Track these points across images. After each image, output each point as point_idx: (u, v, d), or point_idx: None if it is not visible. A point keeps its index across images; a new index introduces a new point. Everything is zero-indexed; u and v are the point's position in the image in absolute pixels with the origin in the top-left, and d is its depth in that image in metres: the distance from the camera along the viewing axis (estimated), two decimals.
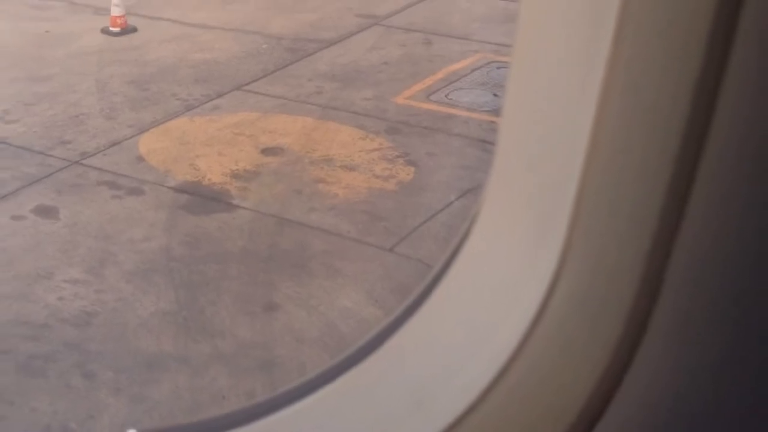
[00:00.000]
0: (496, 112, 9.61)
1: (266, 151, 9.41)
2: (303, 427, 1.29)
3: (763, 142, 1.00)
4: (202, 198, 8.64)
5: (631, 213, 1.06)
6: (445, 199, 8.60)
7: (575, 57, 1.07)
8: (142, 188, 8.79)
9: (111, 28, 12.24)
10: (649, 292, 1.08)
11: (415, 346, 1.27)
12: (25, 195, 8.69)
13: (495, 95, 10.35)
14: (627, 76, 1.02)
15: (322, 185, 8.79)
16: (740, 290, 1.08)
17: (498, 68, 10.94)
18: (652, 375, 1.12)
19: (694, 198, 1.04)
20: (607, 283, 1.08)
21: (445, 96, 10.48)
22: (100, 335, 6.98)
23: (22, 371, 6.66)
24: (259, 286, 7.53)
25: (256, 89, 10.74)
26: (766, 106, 0.99)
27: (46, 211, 8.44)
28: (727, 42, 0.98)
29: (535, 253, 1.14)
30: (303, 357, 6.75)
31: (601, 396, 1.13)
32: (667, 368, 1.12)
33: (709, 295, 1.08)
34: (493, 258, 1.21)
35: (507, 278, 1.18)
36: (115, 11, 12.25)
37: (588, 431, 1.14)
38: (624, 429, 1.14)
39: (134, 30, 12.28)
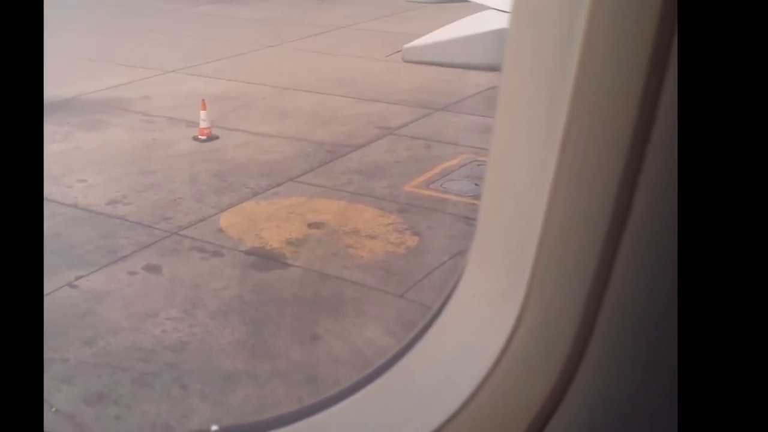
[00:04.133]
0: (477, 197, 9.62)
1: (311, 225, 9.41)
2: (339, 424, 1.29)
3: (670, 227, 1.01)
4: (265, 259, 8.63)
5: (572, 274, 1.07)
6: (440, 259, 8.57)
7: (534, 161, 1.08)
8: (222, 252, 8.79)
9: (199, 136, 12.28)
10: (586, 330, 1.09)
11: (419, 365, 1.28)
12: (138, 257, 8.69)
13: (476, 185, 10.34)
14: (568, 181, 1.03)
15: (352, 249, 8.78)
16: (651, 330, 1.09)
17: (478, 165, 10.94)
18: (589, 387, 1.13)
19: (617, 266, 1.05)
20: (555, 322, 1.10)
21: (440, 185, 10.48)
22: (191, 358, 6.96)
23: (135, 384, 6.63)
24: (306, 322, 7.50)
25: (304, 180, 10.75)
26: (670, 202, 1.00)
27: (152, 269, 8.44)
28: (643, 145, 0.99)
29: (504, 299, 1.15)
30: (338, 373, 6.71)
31: (552, 401, 1.13)
32: (600, 382, 1.13)
33: (630, 332, 1.09)
34: (475, 302, 1.22)
35: (484, 317, 1.19)
36: (203, 124, 12.30)
37: (543, 427, 1.15)
38: (569, 424, 1.15)
39: (216, 138, 12.32)
